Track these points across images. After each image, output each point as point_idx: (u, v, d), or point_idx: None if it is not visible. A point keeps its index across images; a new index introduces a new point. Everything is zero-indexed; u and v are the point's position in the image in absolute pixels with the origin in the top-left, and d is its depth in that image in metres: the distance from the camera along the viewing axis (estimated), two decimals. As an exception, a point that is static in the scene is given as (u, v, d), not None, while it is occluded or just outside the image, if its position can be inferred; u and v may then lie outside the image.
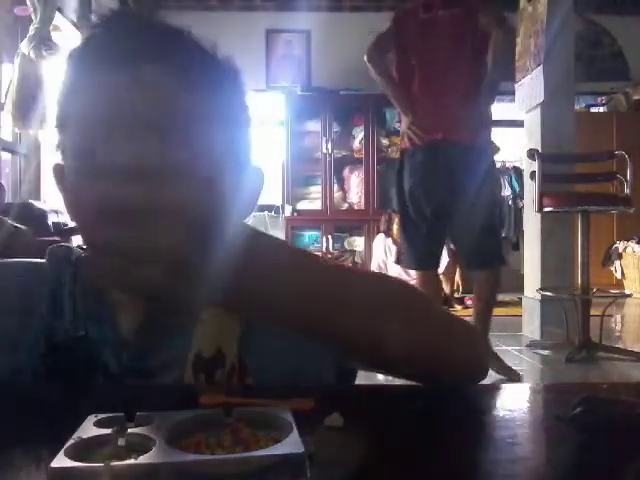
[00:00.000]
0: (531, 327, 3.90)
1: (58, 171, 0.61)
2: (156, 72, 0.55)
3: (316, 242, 6.16)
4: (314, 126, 6.20)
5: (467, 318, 4.87)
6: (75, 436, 0.37)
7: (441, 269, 5.30)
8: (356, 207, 6.35)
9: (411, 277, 3.71)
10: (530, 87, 3.90)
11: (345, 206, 6.34)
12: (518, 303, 4.39)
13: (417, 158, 3.01)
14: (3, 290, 0.65)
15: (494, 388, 0.58)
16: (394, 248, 5.21)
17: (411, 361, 0.55)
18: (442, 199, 2.93)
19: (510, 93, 4.38)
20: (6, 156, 4.06)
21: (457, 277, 5.44)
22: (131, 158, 0.49)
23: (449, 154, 2.84)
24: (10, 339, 0.61)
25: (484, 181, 2.87)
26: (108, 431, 0.38)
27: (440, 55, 2.95)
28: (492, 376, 2.81)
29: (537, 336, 3.75)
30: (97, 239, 0.46)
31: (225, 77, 0.61)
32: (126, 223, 0.43)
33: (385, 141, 6.47)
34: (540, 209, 3.32)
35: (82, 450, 0.36)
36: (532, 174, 3.40)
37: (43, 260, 0.66)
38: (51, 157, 4.50)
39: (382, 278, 0.68)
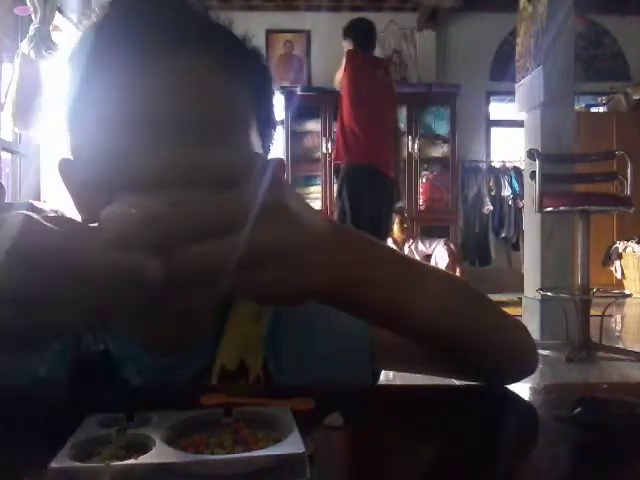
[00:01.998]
0: (531, 327, 3.90)
1: (64, 167, 0.58)
2: (189, 60, 0.51)
3: (316, 242, 6.16)
4: (314, 126, 6.21)
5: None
6: (75, 436, 0.37)
7: (441, 269, 5.31)
8: (356, 207, 6.35)
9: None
10: (530, 87, 3.90)
11: (345, 206, 6.34)
12: (518, 303, 4.39)
13: (356, 174, 3.82)
14: None
15: (494, 388, 0.58)
16: (394, 247, 5.22)
17: (460, 339, 0.51)
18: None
19: (510, 93, 4.38)
20: (6, 156, 4.06)
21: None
22: (168, 162, 0.41)
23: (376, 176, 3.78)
24: None
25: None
26: (108, 431, 0.38)
27: (382, 107, 3.95)
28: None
29: (537, 336, 3.75)
30: None
31: (259, 72, 0.59)
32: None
33: (385, 141, 6.48)
34: (540, 209, 3.32)
35: (82, 450, 0.36)
36: (532, 174, 3.40)
37: None
38: (51, 157, 4.51)
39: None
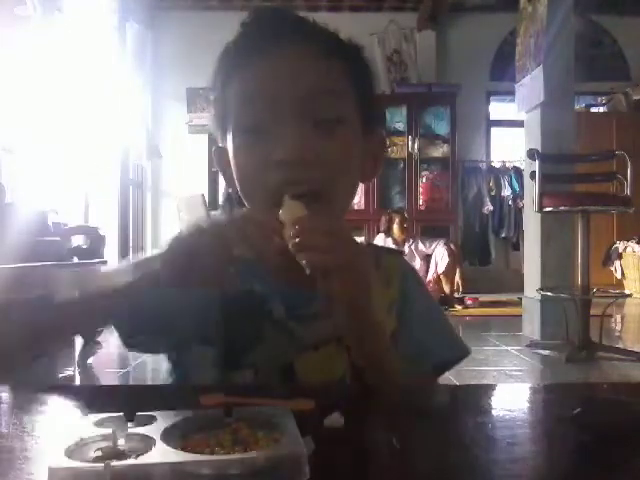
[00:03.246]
0: (531, 327, 3.90)
1: (217, 153, 0.76)
2: (309, 54, 0.69)
3: (316, 242, 6.15)
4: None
5: (467, 318, 4.87)
6: (75, 436, 0.37)
7: (441, 269, 5.31)
8: (356, 207, 6.35)
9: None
10: (530, 87, 3.90)
11: (345, 206, 6.34)
12: (518, 303, 4.39)
13: None
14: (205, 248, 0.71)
15: (494, 388, 0.58)
16: (394, 248, 5.22)
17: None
18: None
19: (510, 93, 4.38)
20: (6, 156, 4.06)
21: (457, 277, 5.43)
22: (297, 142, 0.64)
23: None
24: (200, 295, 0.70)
25: None
26: (108, 431, 0.38)
27: None
28: (493, 376, 2.82)
29: (537, 336, 3.75)
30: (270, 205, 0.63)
31: (359, 57, 0.75)
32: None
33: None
34: (540, 209, 3.32)
35: (82, 450, 0.36)
36: (532, 174, 3.39)
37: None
38: (51, 158, 4.51)
39: None
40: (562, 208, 3.33)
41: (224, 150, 0.74)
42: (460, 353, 0.78)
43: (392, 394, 0.62)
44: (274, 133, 0.66)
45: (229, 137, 0.72)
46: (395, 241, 5.40)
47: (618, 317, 4.78)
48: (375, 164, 0.78)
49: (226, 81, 0.72)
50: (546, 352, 3.44)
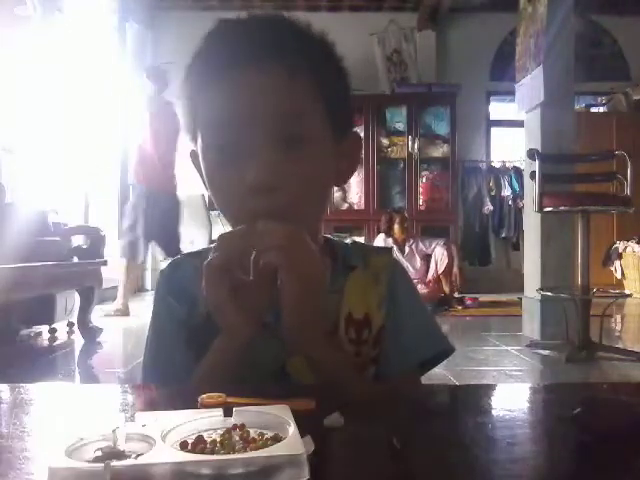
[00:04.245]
0: (531, 327, 3.89)
1: (193, 156, 0.75)
2: (269, 73, 0.65)
3: (316, 242, 6.15)
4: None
5: (467, 318, 4.87)
6: (75, 436, 0.37)
7: (441, 269, 5.31)
8: (356, 207, 6.35)
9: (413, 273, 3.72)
10: (530, 87, 3.90)
11: (345, 206, 6.34)
12: (518, 303, 4.39)
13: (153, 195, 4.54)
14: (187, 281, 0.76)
15: (494, 388, 0.58)
16: (395, 248, 5.21)
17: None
18: None
19: (510, 93, 4.39)
20: (6, 156, 4.06)
21: (457, 277, 5.43)
22: (262, 168, 0.63)
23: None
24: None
25: None
26: (108, 431, 0.38)
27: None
28: (493, 376, 2.82)
29: (537, 336, 3.75)
30: (240, 216, 0.65)
31: (328, 58, 0.72)
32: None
33: (385, 141, 6.48)
34: (540, 209, 3.32)
35: (82, 450, 0.36)
36: (532, 174, 3.39)
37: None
38: (51, 158, 4.51)
39: None
40: (562, 208, 3.33)
41: (197, 153, 0.73)
42: (445, 351, 0.79)
43: (392, 394, 0.62)
44: (241, 155, 0.65)
45: (199, 142, 0.71)
46: (395, 241, 5.40)
47: (618, 317, 4.77)
48: (350, 164, 0.77)
49: (190, 93, 0.71)
50: (546, 352, 3.44)
